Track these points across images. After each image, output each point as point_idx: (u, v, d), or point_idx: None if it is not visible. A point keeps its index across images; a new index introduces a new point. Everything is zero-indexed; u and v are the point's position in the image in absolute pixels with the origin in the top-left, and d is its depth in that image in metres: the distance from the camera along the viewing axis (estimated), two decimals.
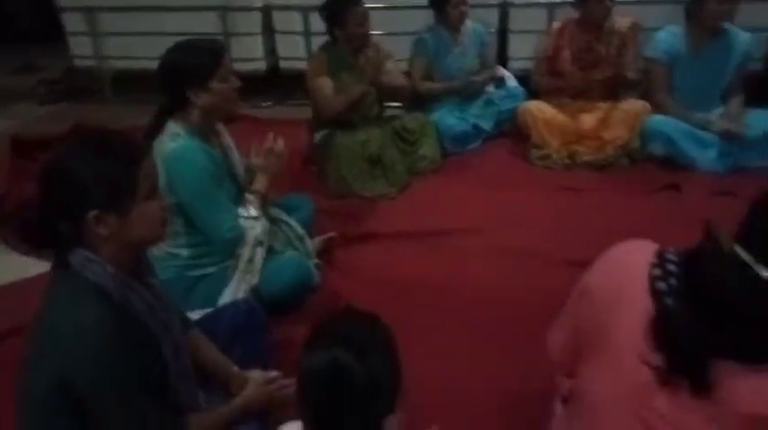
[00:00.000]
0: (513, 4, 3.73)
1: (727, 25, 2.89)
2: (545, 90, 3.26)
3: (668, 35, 2.97)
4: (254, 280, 1.94)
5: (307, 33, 3.92)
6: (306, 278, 2.08)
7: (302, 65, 3.30)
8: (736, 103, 2.94)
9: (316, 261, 2.23)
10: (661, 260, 0.98)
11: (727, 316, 0.87)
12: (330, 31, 2.90)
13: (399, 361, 1.03)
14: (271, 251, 2.05)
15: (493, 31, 3.70)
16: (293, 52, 4.01)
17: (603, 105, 3.12)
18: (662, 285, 0.94)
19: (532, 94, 3.33)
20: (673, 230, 1.75)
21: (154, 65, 1.84)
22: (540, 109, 3.16)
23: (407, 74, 3.24)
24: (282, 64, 4.18)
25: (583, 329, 1.09)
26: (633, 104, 3.04)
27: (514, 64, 3.76)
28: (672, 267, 0.96)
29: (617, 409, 0.99)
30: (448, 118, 3.21)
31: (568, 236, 2.42)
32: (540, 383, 1.54)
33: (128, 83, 4.33)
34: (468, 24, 3.29)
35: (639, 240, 1.06)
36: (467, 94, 3.32)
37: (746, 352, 0.87)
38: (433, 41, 3.24)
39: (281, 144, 2.07)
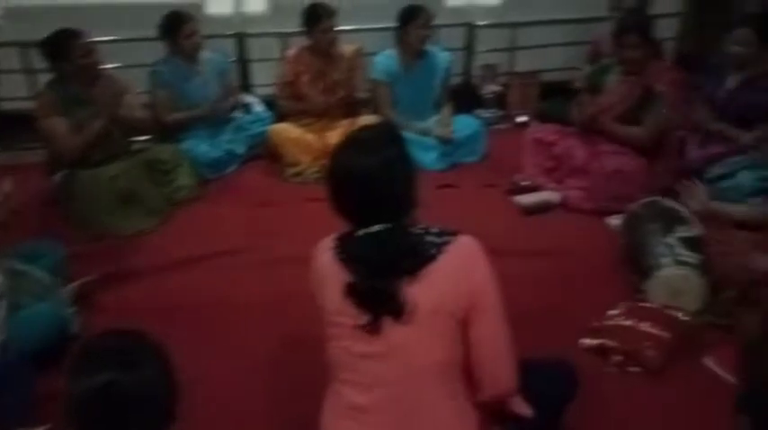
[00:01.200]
0: (248, 35, 3.91)
1: (429, 47, 3.46)
2: (291, 112, 3.50)
3: (384, 58, 3.44)
4: None
5: (28, 71, 3.59)
6: (61, 328, 1.97)
7: (27, 105, 3.04)
8: (446, 111, 3.51)
9: (72, 308, 2.10)
10: (338, 240, 1.27)
11: (380, 255, 1.20)
12: (55, 67, 2.74)
13: (172, 368, 1.07)
14: (17, 307, 1.88)
15: (233, 59, 3.83)
16: (14, 92, 3.63)
17: (344, 122, 3.45)
18: (342, 255, 1.24)
19: (280, 116, 3.54)
20: None
21: None
22: (287, 130, 3.39)
23: (148, 106, 3.20)
24: (4, 105, 3.75)
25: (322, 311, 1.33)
26: (369, 120, 3.42)
27: (259, 90, 3.94)
28: (346, 239, 1.26)
29: (349, 358, 1.26)
30: (200, 146, 3.25)
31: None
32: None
33: None
34: (206, 54, 3.37)
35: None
36: (214, 121, 3.39)
37: (405, 269, 1.20)
38: (170, 73, 3.26)
39: (5, 186, 1.92)
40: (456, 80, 4.14)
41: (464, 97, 4.06)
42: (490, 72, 4.10)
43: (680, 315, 2.02)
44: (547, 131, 3.21)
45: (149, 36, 3.27)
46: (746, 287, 1.99)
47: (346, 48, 3.45)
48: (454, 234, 1.24)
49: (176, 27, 3.18)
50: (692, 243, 2.13)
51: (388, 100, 3.45)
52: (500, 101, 4.12)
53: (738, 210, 2.33)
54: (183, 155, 3.13)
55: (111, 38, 3.50)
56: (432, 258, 1.20)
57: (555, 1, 4.05)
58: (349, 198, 1.24)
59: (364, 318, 1.21)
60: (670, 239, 2.16)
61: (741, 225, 2.26)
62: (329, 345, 1.30)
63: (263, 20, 3.98)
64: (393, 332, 1.20)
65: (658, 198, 2.40)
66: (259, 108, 3.67)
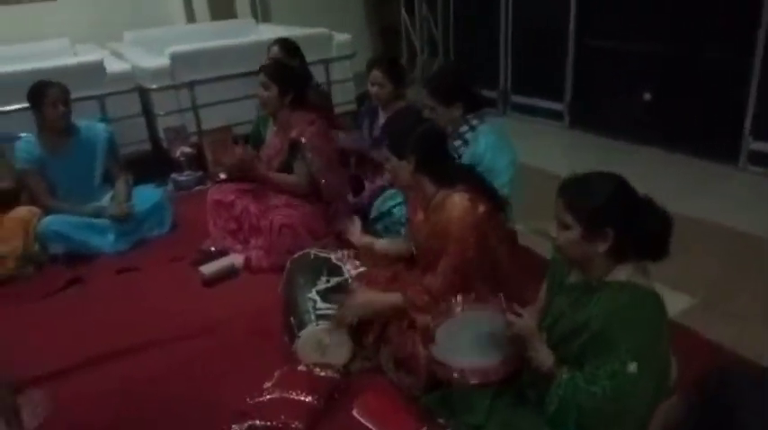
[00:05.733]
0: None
1: (81, 122, 3.14)
2: None
3: (26, 145, 3.04)
4: None
5: None
6: None
7: None
8: (120, 185, 3.20)
9: None
10: None
11: None
12: None
13: None
14: None
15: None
16: None
17: None
18: None
19: None
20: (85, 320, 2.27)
21: None
22: None
23: None
24: None
25: None
26: (20, 212, 2.98)
27: None
28: None
29: None
30: None
31: None
32: None
33: None
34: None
35: None
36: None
37: None
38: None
39: None
40: (143, 147, 3.90)
41: (156, 164, 3.82)
42: (178, 134, 3.90)
43: (328, 372, 1.98)
44: (226, 192, 3.07)
45: None
46: (381, 327, 2.03)
47: None
48: None
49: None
50: (331, 292, 2.13)
51: (42, 187, 3.05)
52: (196, 161, 3.95)
53: (382, 243, 2.41)
54: None
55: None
56: None
57: (221, 58, 4.00)
58: None
59: None
60: (312, 294, 2.13)
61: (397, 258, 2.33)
62: None
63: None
64: None
65: (309, 250, 2.38)
66: None
